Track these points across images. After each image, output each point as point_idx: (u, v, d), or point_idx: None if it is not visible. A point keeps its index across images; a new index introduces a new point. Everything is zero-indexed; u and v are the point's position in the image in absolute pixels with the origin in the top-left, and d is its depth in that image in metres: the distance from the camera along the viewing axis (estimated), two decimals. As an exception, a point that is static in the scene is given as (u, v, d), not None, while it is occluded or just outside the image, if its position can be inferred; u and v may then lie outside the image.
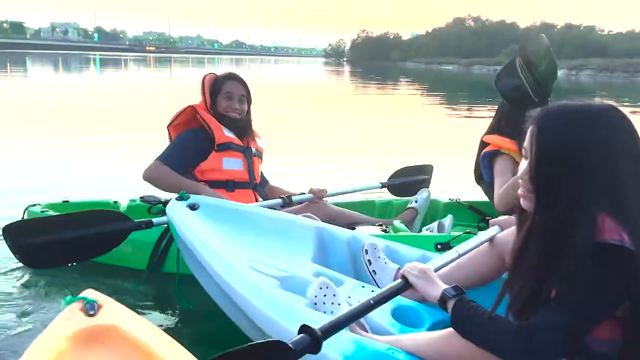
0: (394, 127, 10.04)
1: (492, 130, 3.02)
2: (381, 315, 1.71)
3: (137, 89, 19.68)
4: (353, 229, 2.95)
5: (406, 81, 31.65)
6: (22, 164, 5.58)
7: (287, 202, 2.99)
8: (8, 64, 31.97)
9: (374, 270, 1.97)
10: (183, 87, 19.57)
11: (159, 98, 14.99)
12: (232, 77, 3.00)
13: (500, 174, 2.84)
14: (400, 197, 3.46)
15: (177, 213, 2.20)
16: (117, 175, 5.04)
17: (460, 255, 1.84)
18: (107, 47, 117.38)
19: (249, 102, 3.02)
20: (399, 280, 1.56)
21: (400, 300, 1.79)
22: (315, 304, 1.68)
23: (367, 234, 2.43)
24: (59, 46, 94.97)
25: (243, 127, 2.98)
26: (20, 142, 6.89)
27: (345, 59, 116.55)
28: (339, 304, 1.69)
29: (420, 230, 3.06)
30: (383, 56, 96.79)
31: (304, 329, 1.28)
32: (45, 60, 42.41)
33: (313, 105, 13.59)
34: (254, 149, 3.03)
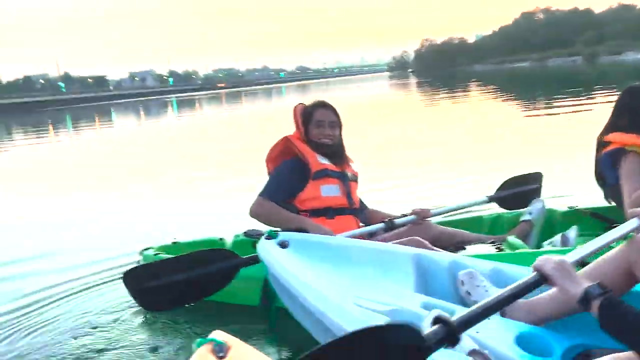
0: (483, 135, 9.60)
1: (612, 127, 2.75)
2: (505, 344, 1.57)
3: (218, 125, 20.48)
4: (463, 249, 2.81)
5: (479, 85, 30.71)
6: (131, 211, 5.91)
7: (390, 226, 2.92)
8: (96, 117, 34.53)
9: (475, 301, 1.79)
10: (261, 119, 20.12)
11: (238, 132, 15.50)
12: (321, 105, 3.02)
13: (629, 176, 2.55)
14: (511, 210, 3.24)
15: (269, 252, 2.20)
16: (218, 212, 5.20)
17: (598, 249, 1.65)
18: (180, 88, 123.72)
19: (340, 127, 3.02)
20: (532, 274, 1.43)
21: (521, 327, 1.65)
22: None
23: (468, 257, 2.26)
24: (138, 94, 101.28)
25: (337, 153, 2.98)
26: (124, 190, 7.32)
27: (410, 70, 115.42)
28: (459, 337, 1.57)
29: (539, 246, 2.82)
30: (449, 62, 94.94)
31: (438, 319, 1.20)
32: (128, 109, 45.42)
33: (391, 122, 13.46)
34: (349, 174, 3.01)
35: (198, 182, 7.39)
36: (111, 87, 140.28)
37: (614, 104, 2.81)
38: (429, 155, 7.56)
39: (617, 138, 2.68)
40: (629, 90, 2.75)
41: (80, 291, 3.40)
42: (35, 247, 4.61)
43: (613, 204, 2.84)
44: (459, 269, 2.01)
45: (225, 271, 2.56)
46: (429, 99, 23.55)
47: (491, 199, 3.32)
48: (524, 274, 1.89)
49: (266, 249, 2.23)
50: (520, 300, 1.74)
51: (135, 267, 2.65)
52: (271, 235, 2.30)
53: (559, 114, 11.63)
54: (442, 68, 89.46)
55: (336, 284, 1.97)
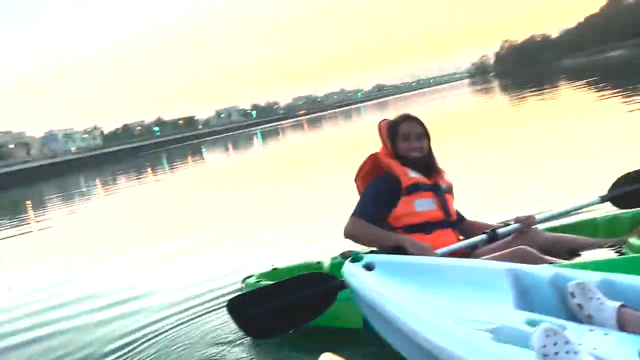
0: (583, 132, 8.96)
1: None
2: None
3: (303, 150, 20.88)
4: (578, 255, 2.59)
5: (569, 81, 28.96)
6: (231, 241, 6.08)
7: (493, 237, 2.76)
8: (189, 156, 36.56)
9: (588, 315, 1.65)
10: (343, 139, 20.28)
11: (324, 154, 15.68)
12: (406, 117, 2.96)
13: None
14: (630, 209, 2.94)
15: (355, 275, 2.14)
16: (315, 235, 5.25)
17: None
18: (264, 120, 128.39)
19: (428, 138, 2.94)
20: None
21: None
22: (546, 355, 1.42)
23: (573, 268, 2.06)
24: (226, 129, 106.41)
25: (427, 165, 2.90)
26: (221, 222, 7.57)
27: (492, 74, 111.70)
28: (576, 352, 1.41)
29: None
30: (534, 61, 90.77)
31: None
32: (218, 145, 47.68)
33: (479, 129, 12.97)
34: (443, 185, 2.90)
35: (292, 206, 7.52)
36: (200, 126, 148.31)
37: None
38: (526, 157, 7.16)
39: None
40: None
41: (186, 322, 3.51)
42: (144, 282, 4.87)
43: None
44: (563, 281, 1.85)
45: (325, 294, 2.53)
46: (516, 100, 22.53)
47: (604, 199, 3.05)
48: (636, 281, 1.76)
49: (352, 273, 2.18)
50: (636, 313, 1.59)
51: (239, 295, 2.69)
52: (356, 258, 2.25)
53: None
54: (526, 68, 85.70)
55: (430, 305, 1.89)
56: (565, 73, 40.36)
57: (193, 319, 3.54)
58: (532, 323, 1.65)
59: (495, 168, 6.85)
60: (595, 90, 19.12)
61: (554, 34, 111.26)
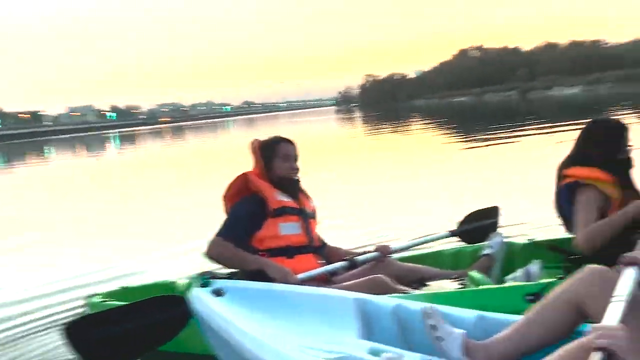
0: (435, 169, 9.64)
1: (572, 160, 2.72)
2: None
3: (163, 161, 19.97)
4: (426, 285, 2.76)
5: (423, 119, 31.64)
6: (77, 253, 5.55)
7: (352, 264, 2.83)
8: (29, 153, 32.99)
9: (439, 337, 1.74)
10: (204, 153, 19.79)
11: (188, 166, 15.12)
12: (284, 139, 2.95)
13: (582, 209, 2.55)
14: (472, 243, 3.22)
15: (201, 301, 2.04)
16: (173, 252, 4.96)
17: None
18: (123, 123, 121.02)
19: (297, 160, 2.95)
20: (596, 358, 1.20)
21: None
22: None
23: (415, 300, 2.19)
24: (78, 129, 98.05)
25: (296, 188, 2.90)
26: (69, 229, 6.88)
27: (354, 105, 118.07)
28: None
29: (502, 280, 2.80)
30: (392, 97, 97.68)
31: None
32: (65, 145, 43.70)
33: (343, 156, 13.47)
34: (308, 210, 2.91)
35: (148, 217, 7.08)
36: (49, 123, 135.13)
37: (577, 136, 2.77)
38: (386, 190, 7.52)
39: (577, 171, 2.65)
40: (591, 124, 2.75)
41: (14, 341, 3.11)
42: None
43: (572, 235, 2.84)
44: (405, 312, 1.96)
45: (176, 320, 2.37)
46: (375, 131, 24.02)
47: (453, 234, 3.30)
48: (463, 314, 1.91)
49: (199, 298, 2.05)
50: (479, 342, 1.73)
51: (80, 318, 2.42)
52: (205, 283, 2.12)
53: (500, 144, 12.12)
54: (385, 102, 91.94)
55: (278, 333, 1.87)
56: (418, 111, 44.15)
57: (22, 337, 3.14)
58: (375, 352, 1.70)
59: (356, 196, 7.13)
60: (443, 130, 21.15)
61: (411, 74, 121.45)
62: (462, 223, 3.31)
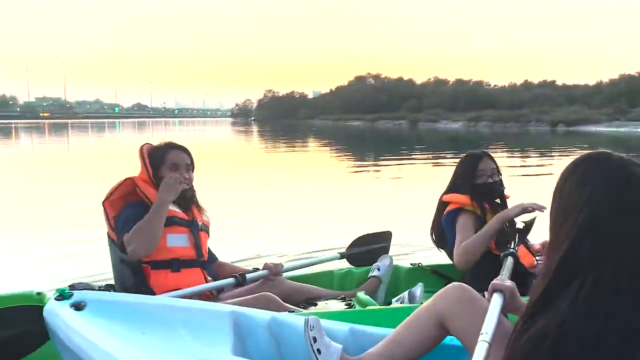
0: (331, 189, 9.71)
1: (450, 189, 3.03)
2: None
3: (36, 161, 18.35)
4: (314, 304, 2.77)
5: (318, 139, 32.31)
6: None
7: (241, 281, 2.77)
8: None
9: (318, 349, 1.75)
10: (81, 155, 18.53)
11: (61, 168, 14.02)
12: (174, 146, 2.79)
13: (461, 230, 2.82)
14: (361, 266, 3.28)
15: (58, 315, 1.83)
16: (39, 261, 4.47)
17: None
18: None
19: (193, 170, 2.81)
20: None
21: None
22: None
23: (292, 314, 2.21)
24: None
25: (188, 199, 2.76)
26: None
27: (252, 119, 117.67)
28: None
29: (387, 302, 2.88)
30: (290, 114, 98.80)
31: None
32: None
33: (238, 171, 13.21)
34: (200, 223, 2.79)
35: (19, 222, 6.38)
36: None
37: (454, 168, 3.09)
38: (279, 207, 7.47)
39: (455, 199, 2.96)
40: (464, 157, 3.06)
41: None
42: None
43: (450, 261, 3.04)
44: (280, 327, 1.94)
45: (35, 333, 2.13)
46: (272, 149, 24.05)
47: (342, 256, 3.34)
48: (340, 329, 1.95)
49: (55, 313, 1.83)
50: (353, 358, 1.77)
51: None
52: (63, 295, 1.91)
53: (386, 170, 12.67)
54: (283, 119, 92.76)
55: (142, 351, 1.72)
56: (315, 131, 45.07)
57: None
58: None
59: (249, 212, 7.00)
60: (339, 151, 21.74)
61: (310, 94, 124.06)
62: (352, 246, 3.37)
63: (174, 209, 2.67)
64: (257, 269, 2.89)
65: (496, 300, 1.61)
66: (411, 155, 16.93)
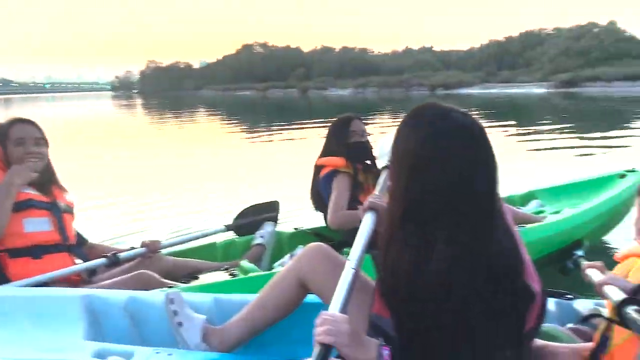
0: (214, 161, 9.47)
1: (325, 152, 3.10)
2: None
3: None
4: (196, 278, 2.70)
5: (207, 110, 31.37)
6: None
7: (114, 261, 2.61)
8: None
9: (179, 323, 1.73)
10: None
11: None
12: (18, 120, 2.55)
13: (334, 193, 2.91)
14: (244, 235, 3.23)
15: None
16: None
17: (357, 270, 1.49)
18: None
19: (47, 146, 2.58)
20: (316, 352, 1.21)
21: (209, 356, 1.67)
22: None
23: (152, 292, 2.14)
24: None
25: (45, 178, 2.53)
26: None
27: (135, 91, 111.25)
28: None
29: (271, 267, 2.88)
30: (176, 86, 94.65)
31: None
32: None
33: (114, 147, 12.38)
34: (62, 204, 2.57)
35: None
36: None
37: (326, 132, 3.17)
38: (161, 183, 7.07)
39: (329, 162, 3.04)
40: (336, 121, 3.17)
41: None
42: None
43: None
44: (138, 305, 1.89)
45: None
46: (157, 123, 22.95)
47: (229, 228, 3.27)
48: (204, 300, 1.89)
49: None
50: (216, 327, 1.77)
51: None
52: None
53: (277, 140, 12.67)
54: (168, 90, 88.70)
55: None
56: (204, 102, 43.75)
57: None
58: (102, 354, 1.61)
59: (129, 192, 6.51)
60: (226, 122, 21.29)
61: (196, 65, 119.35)
62: (238, 217, 3.31)
63: (30, 191, 2.45)
64: (134, 248, 2.75)
65: (367, 219, 1.55)
66: (303, 124, 17.04)
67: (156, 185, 6.92)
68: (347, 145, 3.02)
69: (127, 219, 4.98)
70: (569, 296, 2.01)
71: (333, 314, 1.25)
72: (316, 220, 3.34)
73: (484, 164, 1.23)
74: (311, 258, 1.74)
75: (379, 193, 1.76)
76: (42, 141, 2.54)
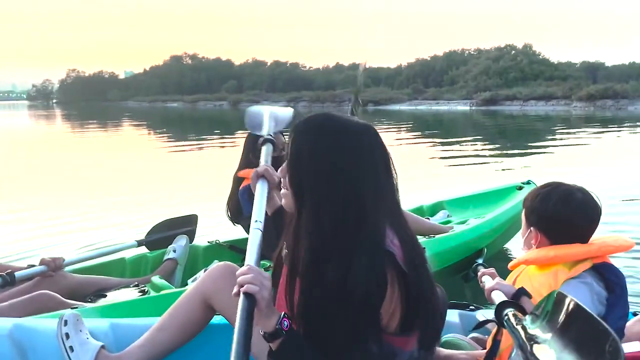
0: (132, 173, 9.14)
1: (244, 164, 3.07)
2: None
3: None
4: (104, 296, 2.56)
5: (132, 121, 30.32)
6: None
7: (9, 281, 2.44)
8: None
9: (70, 347, 1.62)
10: None
11: None
12: None
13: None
14: (156, 249, 3.11)
15: None
16: None
17: None
18: None
19: None
20: (241, 299, 1.22)
21: None
22: None
23: (40, 317, 2.00)
24: None
25: None
26: None
27: (55, 101, 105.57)
28: None
29: (185, 284, 2.78)
30: (100, 96, 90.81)
31: None
32: None
33: (21, 157, 11.65)
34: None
35: None
36: None
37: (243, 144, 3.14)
38: (68, 195, 6.72)
39: (249, 174, 2.94)
40: (249, 134, 3.07)
41: None
42: None
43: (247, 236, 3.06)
44: (24, 334, 1.71)
45: None
46: (74, 133, 21.87)
47: (140, 243, 3.16)
48: (100, 325, 1.77)
49: None
50: (113, 355, 1.65)
51: None
52: None
53: (203, 152, 12.44)
54: (91, 100, 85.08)
55: None
56: (129, 113, 42.26)
57: None
58: None
59: (37, 203, 6.18)
60: (151, 134, 20.65)
61: (121, 75, 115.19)
62: (151, 231, 3.19)
63: None
64: (32, 266, 2.58)
65: (261, 186, 1.72)
66: (232, 136, 16.84)
67: (62, 198, 6.57)
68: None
69: (27, 235, 4.67)
70: (471, 307, 2.09)
71: (257, 268, 1.28)
72: (233, 233, 3.27)
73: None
74: (217, 278, 1.69)
75: (264, 164, 1.87)
76: None
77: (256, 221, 1.53)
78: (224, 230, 3.63)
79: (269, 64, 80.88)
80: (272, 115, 2.38)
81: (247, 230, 2.93)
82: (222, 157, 11.28)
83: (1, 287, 2.42)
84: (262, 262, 1.62)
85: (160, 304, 2.21)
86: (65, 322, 1.65)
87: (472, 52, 58.16)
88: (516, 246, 3.67)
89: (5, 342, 1.69)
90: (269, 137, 2.15)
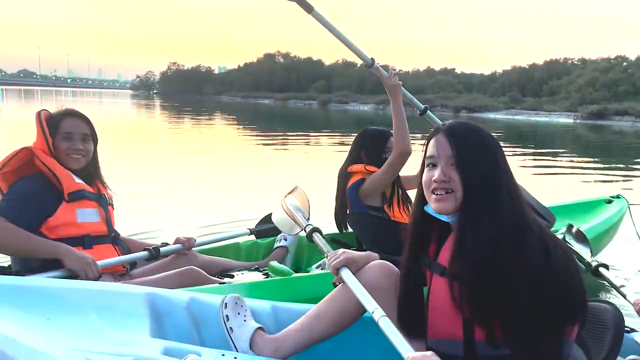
0: (245, 167, 9.55)
1: (354, 160, 3.14)
2: None
3: None
4: (232, 276, 2.79)
5: (231, 117, 31.55)
6: None
7: (155, 254, 2.71)
8: None
9: (230, 328, 1.74)
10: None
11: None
12: (70, 113, 2.59)
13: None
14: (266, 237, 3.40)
15: None
16: None
17: None
18: None
19: (95, 142, 2.65)
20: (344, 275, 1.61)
21: None
22: None
23: (211, 294, 2.12)
24: None
25: (91, 172, 2.63)
26: None
27: (155, 92, 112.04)
28: None
29: (295, 270, 2.99)
30: (196, 89, 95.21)
31: None
32: None
33: (145, 146, 12.59)
34: (107, 197, 2.68)
35: None
36: None
37: (352, 142, 3.24)
38: (191, 185, 7.26)
39: (360, 169, 3.09)
40: (363, 132, 3.24)
41: None
42: None
43: (350, 230, 3.24)
44: (198, 307, 1.87)
45: None
46: (176, 123, 23.24)
47: (251, 232, 3.43)
48: (261, 306, 1.92)
49: None
50: (270, 336, 1.76)
51: None
52: None
53: (300, 148, 12.81)
54: (188, 93, 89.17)
55: (55, 337, 1.56)
56: (221, 108, 43.95)
57: None
58: (170, 353, 1.56)
59: (156, 188, 6.78)
60: (245, 129, 21.48)
61: (216, 70, 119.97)
62: (259, 223, 3.48)
63: (81, 182, 2.53)
64: (166, 244, 2.85)
65: (348, 276, 1.79)
66: (326, 134, 17.15)
67: (175, 183, 7.18)
68: (382, 160, 3.05)
69: (155, 217, 5.16)
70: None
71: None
72: (331, 227, 3.38)
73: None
74: (375, 274, 1.78)
75: (329, 254, 1.93)
76: (89, 137, 2.57)
77: (375, 310, 1.62)
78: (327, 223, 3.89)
79: (358, 65, 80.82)
80: (294, 208, 2.54)
81: (352, 226, 3.14)
82: (322, 155, 11.60)
83: (147, 260, 2.70)
84: None
85: (290, 287, 2.48)
86: (226, 305, 1.78)
87: (576, 62, 54.67)
88: (604, 259, 3.60)
89: (183, 313, 1.84)
90: (314, 227, 2.30)
